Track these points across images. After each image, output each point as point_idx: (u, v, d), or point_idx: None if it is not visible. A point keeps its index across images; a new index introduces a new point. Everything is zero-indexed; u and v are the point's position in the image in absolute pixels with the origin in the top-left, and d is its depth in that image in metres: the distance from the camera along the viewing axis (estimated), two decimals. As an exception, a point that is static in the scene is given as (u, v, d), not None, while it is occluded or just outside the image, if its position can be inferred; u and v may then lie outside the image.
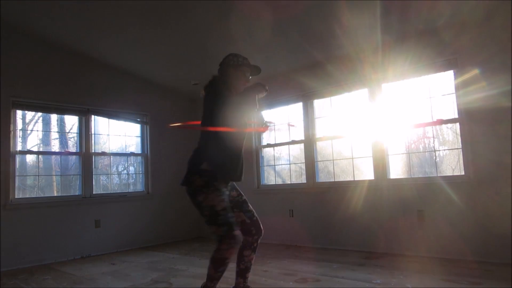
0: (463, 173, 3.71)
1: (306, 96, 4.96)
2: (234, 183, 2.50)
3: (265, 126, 2.50)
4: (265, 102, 5.39)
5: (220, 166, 2.30)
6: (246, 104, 2.29)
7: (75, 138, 5.09)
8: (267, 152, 5.53)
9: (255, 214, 2.51)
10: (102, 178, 5.38)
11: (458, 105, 3.72)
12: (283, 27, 3.98)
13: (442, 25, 3.71)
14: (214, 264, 2.19)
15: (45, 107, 4.72)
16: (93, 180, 5.07)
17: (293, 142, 5.15)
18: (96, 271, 3.91)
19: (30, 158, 4.72)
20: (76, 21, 4.13)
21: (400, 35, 3.99)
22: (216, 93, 2.33)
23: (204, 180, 2.24)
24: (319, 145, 4.92)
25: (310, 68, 4.82)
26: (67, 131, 5.15)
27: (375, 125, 4.29)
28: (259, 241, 2.48)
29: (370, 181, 4.29)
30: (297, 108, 5.13)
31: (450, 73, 3.82)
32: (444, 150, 4.15)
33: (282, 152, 5.41)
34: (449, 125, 3.96)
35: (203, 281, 2.32)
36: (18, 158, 4.51)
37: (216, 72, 2.60)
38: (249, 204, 2.51)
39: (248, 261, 2.47)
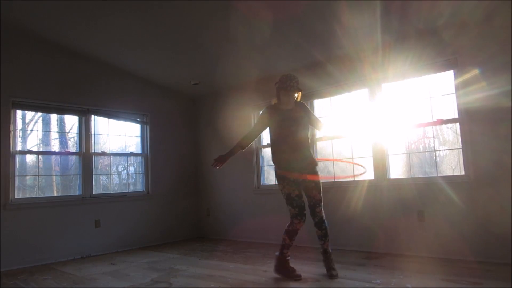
0: (463, 173, 3.71)
1: (306, 96, 4.94)
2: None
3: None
4: (266, 102, 5.39)
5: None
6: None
7: (75, 138, 5.08)
8: (267, 152, 5.53)
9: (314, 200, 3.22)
10: (102, 178, 5.38)
11: (458, 105, 3.72)
12: (283, 27, 3.98)
13: (442, 25, 3.71)
14: (289, 234, 3.17)
15: (45, 107, 4.72)
16: (93, 180, 5.07)
17: (293, 142, 5.13)
18: (96, 271, 3.91)
19: (30, 158, 4.72)
20: (76, 21, 4.13)
21: (400, 35, 3.99)
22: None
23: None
24: (319, 145, 4.92)
25: (310, 68, 4.82)
26: (67, 131, 5.15)
27: (375, 125, 4.29)
28: (320, 224, 3.20)
29: (370, 181, 4.29)
30: (297, 108, 5.12)
31: (450, 73, 3.82)
32: (444, 150, 4.15)
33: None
34: (449, 125, 3.96)
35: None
36: (18, 158, 4.51)
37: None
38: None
39: (318, 235, 3.24)
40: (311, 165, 3.26)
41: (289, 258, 3.27)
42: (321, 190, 3.25)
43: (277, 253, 3.28)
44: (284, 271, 3.24)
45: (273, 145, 3.36)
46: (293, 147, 3.20)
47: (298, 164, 3.20)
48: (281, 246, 3.24)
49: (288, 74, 3.19)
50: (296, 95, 3.24)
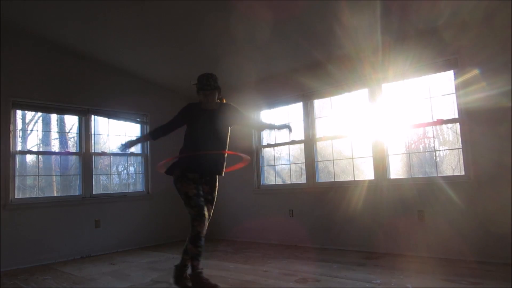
0: (463, 173, 3.71)
1: (306, 96, 4.96)
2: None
3: None
4: (266, 102, 5.40)
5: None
6: None
7: (75, 138, 5.08)
8: (267, 152, 5.53)
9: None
10: (102, 178, 5.37)
11: (458, 105, 3.72)
12: (283, 27, 3.98)
13: (442, 25, 3.71)
14: (192, 242, 2.76)
15: (45, 107, 4.72)
16: (93, 180, 5.07)
17: (293, 142, 5.14)
18: (96, 271, 3.91)
19: (30, 158, 4.72)
20: (76, 21, 4.13)
21: (400, 35, 3.99)
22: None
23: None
24: (319, 145, 4.92)
25: (310, 68, 4.82)
26: (67, 131, 5.15)
27: (375, 125, 4.30)
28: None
29: (370, 181, 4.29)
30: (297, 108, 5.13)
31: (450, 73, 3.82)
32: (444, 150, 4.15)
33: (282, 152, 5.41)
34: (449, 125, 3.96)
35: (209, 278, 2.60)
36: (18, 158, 4.50)
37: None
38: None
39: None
40: (217, 168, 3.10)
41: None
42: (215, 194, 3.12)
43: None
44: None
45: (185, 140, 3.16)
46: (204, 148, 2.99)
47: (205, 164, 3.01)
48: (191, 257, 2.83)
49: (205, 73, 3.00)
50: (216, 94, 3.05)
